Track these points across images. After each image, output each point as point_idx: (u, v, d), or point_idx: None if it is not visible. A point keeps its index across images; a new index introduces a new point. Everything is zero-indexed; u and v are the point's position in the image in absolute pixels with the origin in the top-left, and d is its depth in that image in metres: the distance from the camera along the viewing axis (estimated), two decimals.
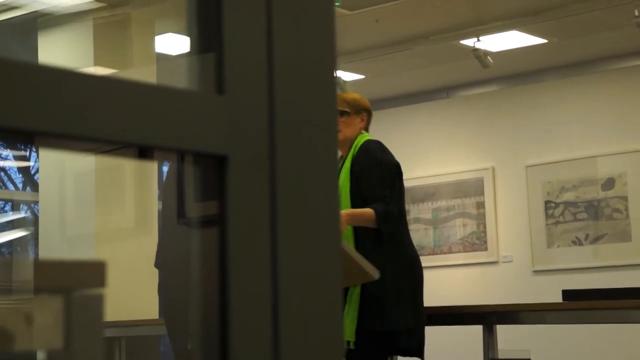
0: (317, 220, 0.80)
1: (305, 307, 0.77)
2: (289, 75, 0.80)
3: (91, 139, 0.74)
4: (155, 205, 6.66)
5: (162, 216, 4.60)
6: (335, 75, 0.83)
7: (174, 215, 4.27)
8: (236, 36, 0.76)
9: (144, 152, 0.77)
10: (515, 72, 10.09)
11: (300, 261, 0.78)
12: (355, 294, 4.42)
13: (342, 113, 4.59)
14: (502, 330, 6.16)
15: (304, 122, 0.81)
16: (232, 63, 0.76)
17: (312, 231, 0.80)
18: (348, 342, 4.37)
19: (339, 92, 5.10)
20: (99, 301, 0.93)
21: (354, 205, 4.36)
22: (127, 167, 6.09)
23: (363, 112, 4.66)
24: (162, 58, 7.83)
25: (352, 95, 4.74)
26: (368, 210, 4.35)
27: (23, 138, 0.78)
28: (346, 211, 4.29)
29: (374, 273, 3.92)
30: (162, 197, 4.68)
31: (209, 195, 0.76)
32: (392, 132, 10.98)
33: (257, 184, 0.76)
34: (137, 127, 0.73)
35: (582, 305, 5.12)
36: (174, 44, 8.10)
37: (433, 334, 9.51)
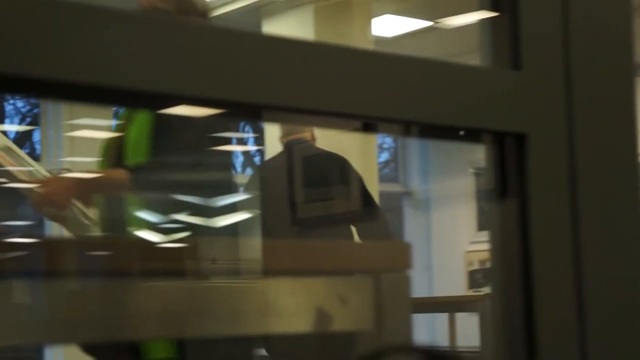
0: (617, 197, 0.76)
1: (608, 282, 0.73)
2: (584, 46, 0.75)
3: (376, 118, 0.73)
4: (376, 187, 6.70)
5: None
6: (632, 44, 0.78)
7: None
8: (531, 7, 0.73)
9: (432, 132, 0.75)
10: None
11: (601, 239, 0.74)
12: None
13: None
14: None
15: (601, 96, 0.76)
16: (528, 36, 0.72)
17: (613, 209, 0.75)
18: None
19: None
20: (406, 282, 0.92)
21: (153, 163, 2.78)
22: (351, 146, 6.16)
23: (192, 16, 2.83)
24: (379, 41, 7.86)
25: None
26: None
27: (287, 115, 0.78)
28: None
29: None
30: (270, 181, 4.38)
31: (506, 174, 0.73)
32: None
33: (556, 163, 0.72)
34: (431, 105, 0.71)
35: None
36: (390, 25, 8.11)
37: None
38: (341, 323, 0.96)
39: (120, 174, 2.72)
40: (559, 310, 0.71)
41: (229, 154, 2.91)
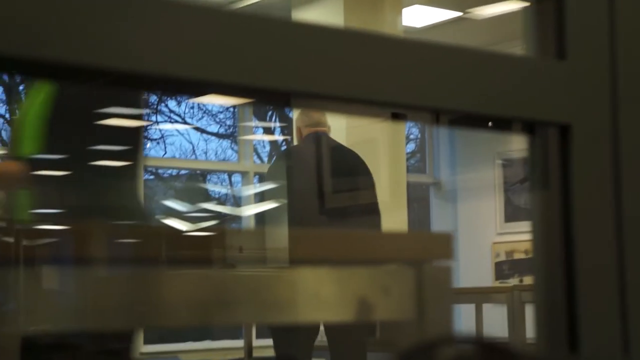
0: None
1: None
2: (630, 35, 0.74)
3: (416, 107, 0.72)
4: (404, 178, 6.67)
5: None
6: None
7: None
8: None
9: (478, 122, 0.74)
10: None
11: None
12: None
13: None
14: None
15: None
16: (574, 25, 0.71)
17: None
18: None
19: None
20: (448, 273, 0.92)
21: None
22: (380, 139, 6.14)
23: None
24: (408, 31, 7.82)
25: None
26: None
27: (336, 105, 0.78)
28: None
29: None
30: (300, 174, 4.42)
31: (548, 164, 0.72)
32: None
33: (600, 154, 0.71)
34: (473, 95, 0.70)
35: None
36: (420, 15, 8.06)
37: None
38: (382, 313, 0.95)
39: (12, 167, 2.35)
40: (601, 301, 0.70)
41: (137, 138, 2.47)
